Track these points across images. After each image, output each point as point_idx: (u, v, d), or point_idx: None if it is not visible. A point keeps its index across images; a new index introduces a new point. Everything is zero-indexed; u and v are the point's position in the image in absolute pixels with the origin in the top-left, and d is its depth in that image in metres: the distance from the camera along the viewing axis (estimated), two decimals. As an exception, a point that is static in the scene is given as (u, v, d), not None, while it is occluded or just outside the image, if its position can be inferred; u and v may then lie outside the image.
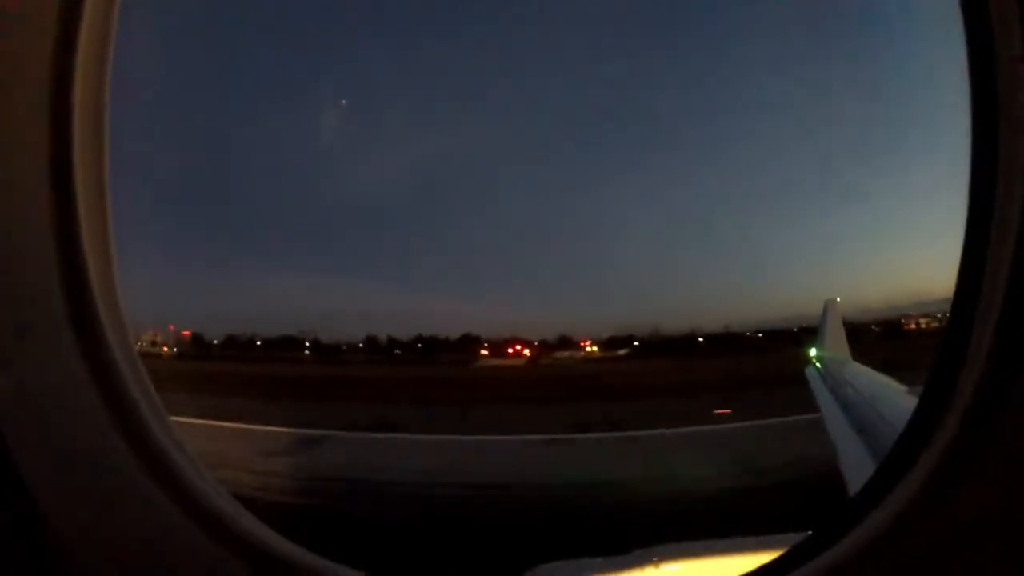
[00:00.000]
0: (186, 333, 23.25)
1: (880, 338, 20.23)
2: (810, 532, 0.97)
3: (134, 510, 0.80)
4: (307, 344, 24.80)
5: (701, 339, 24.40)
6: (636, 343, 24.32)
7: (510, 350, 24.03)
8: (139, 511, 0.80)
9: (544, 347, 24.13)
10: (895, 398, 3.95)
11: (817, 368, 6.79)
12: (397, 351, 24.63)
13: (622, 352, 24.46)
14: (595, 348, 24.61)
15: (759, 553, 1.84)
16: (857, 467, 2.63)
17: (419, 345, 24.73)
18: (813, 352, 7.81)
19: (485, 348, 24.17)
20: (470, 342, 24.27)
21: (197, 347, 23.52)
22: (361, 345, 25.05)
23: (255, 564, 0.83)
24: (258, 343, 24.86)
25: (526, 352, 24.02)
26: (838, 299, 8.78)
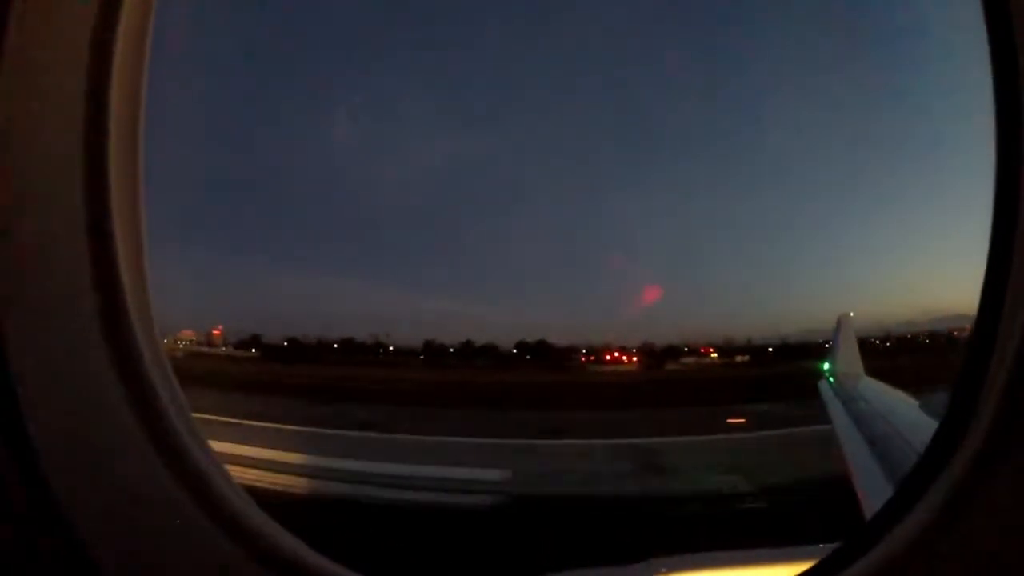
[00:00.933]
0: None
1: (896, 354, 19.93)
2: (824, 548, 0.95)
3: (154, 508, 0.80)
4: (382, 348, 24.80)
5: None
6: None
7: (608, 356, 24.51)
8: (158, 509, 0.80)
9: (644, 353, 24.56)
10: (908, 412, 3.90)
11: (830, 382, 6.71)
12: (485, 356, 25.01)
13: (740, 359, 24.77)
14: (715, 355, 24.87)
15: (768, 566, 1.83)
16: (869, 480, 2.60)
17: (516, 352, 25.03)
18: (826, 367, 7.71)
19: (586, 355, 24.71)
20: (571, 350, 24.70)
21: (274, 350, 23.68)
22: (452, 351, 25.29)
23: (276, 569, 0.84)
24: (334, 345, 24.79)
25: (626, 359, 24.50)
26: (851, 314, 8.67)
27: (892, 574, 0.81)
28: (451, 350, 25.26)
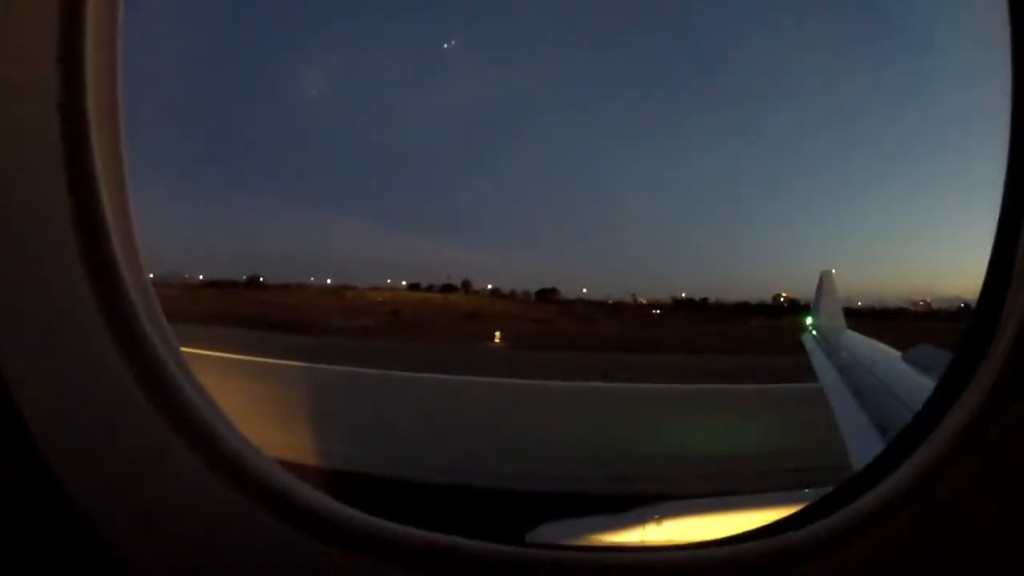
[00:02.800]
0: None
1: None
2: (812, 493, 0.97)
3: (150, 459, 0.78)
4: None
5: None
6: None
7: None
8: (149, 455, 0.78)
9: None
10: (890, 362, 4.01)
11: (813, 335, 6.91)
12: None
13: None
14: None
15: (759, 510, 1.90)
16: (854, 428, 2.70)
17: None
18: (809, 321, 7.96)
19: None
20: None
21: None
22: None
23: (287, 515, 0.82)
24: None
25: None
26: (833, 271, 8.93)
27: (877, 521, 0.82)
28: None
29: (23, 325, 0.73)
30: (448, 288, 26.64)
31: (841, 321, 7.80)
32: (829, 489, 0.92)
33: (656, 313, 25.69)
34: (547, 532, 2.30)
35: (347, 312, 23.13)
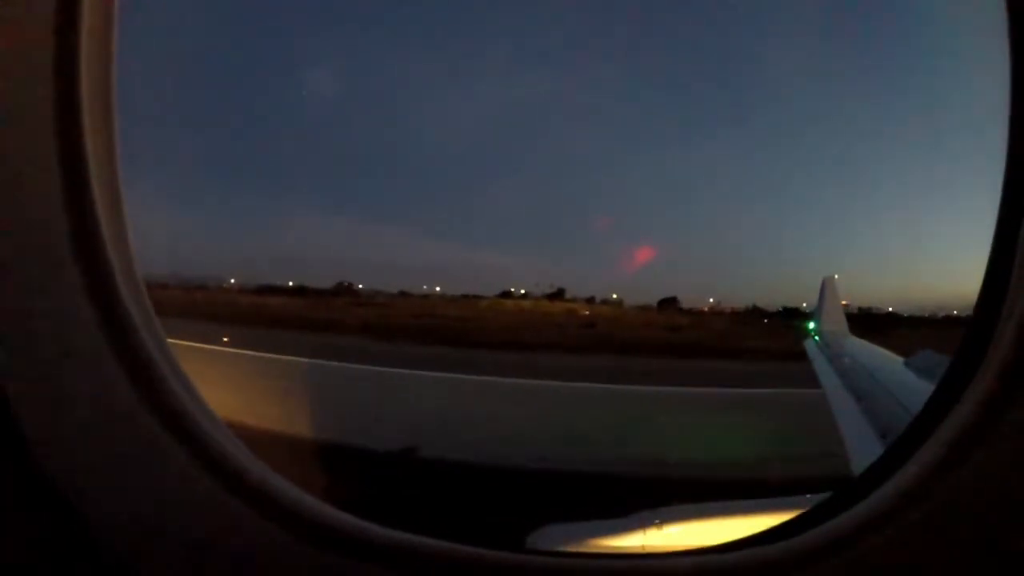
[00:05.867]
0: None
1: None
2: (816, 498, 0.97)
3: (145, 461, 0.78)
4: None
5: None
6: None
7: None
8: (140, 450, 0.78)
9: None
10: (892, 368, 4.00)
11: (816, 341, 6.89)
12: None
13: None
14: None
15: (760, 515, 1.89)
16: (856, 433, 2.68)
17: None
18: (812, 326, 7.95)
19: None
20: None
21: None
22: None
23: (278, 519, 0.81)
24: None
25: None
26: (836, 276, 8.92)
27: (879, 523, 0.81)
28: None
29: (17, 327, 0.73)
30: (556, 295, 26.47)
31: (844, 325, 7.78)
32: (829, 494, 0.92)
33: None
34: (547, 537, 2.29)
35: (528, 326, 21.87)
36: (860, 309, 22.62)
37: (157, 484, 0.79)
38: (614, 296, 27.39)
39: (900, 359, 4.33)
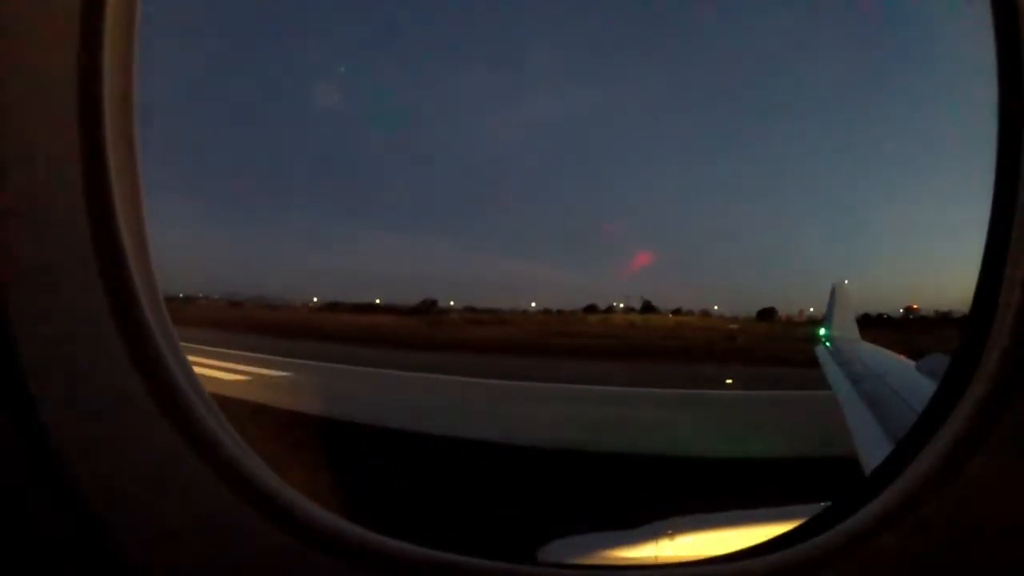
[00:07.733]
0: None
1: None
2: (826, 504, 0.97)
3: (152, 454, 0.80)
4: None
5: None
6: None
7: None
8: (153, 451, 0.80)
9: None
10: (904, 373, 3.95)
11: (827, 347, 6.84)
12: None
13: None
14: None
15: (772, 524, 1.88)
16: (868, 439, 2.66)
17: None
18: (822, 332, 7.91)
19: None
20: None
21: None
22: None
23: (286, 528, 0.83)
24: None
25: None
26: (846, 282, 8.90)
27: (889, 525, 0.82)
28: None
29: (47, 341, 0.76)
30: (648, 308, 25.80)
31: (855, 331, 7.72)
32: (837, 500, 0.92)
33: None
34: (559, 549, 2.28)
35: (686, 339, 20.76)
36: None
37: (170, 490, 0.81)
38: (715, 308, 26.77)
39: (911, 363, 4.28)
